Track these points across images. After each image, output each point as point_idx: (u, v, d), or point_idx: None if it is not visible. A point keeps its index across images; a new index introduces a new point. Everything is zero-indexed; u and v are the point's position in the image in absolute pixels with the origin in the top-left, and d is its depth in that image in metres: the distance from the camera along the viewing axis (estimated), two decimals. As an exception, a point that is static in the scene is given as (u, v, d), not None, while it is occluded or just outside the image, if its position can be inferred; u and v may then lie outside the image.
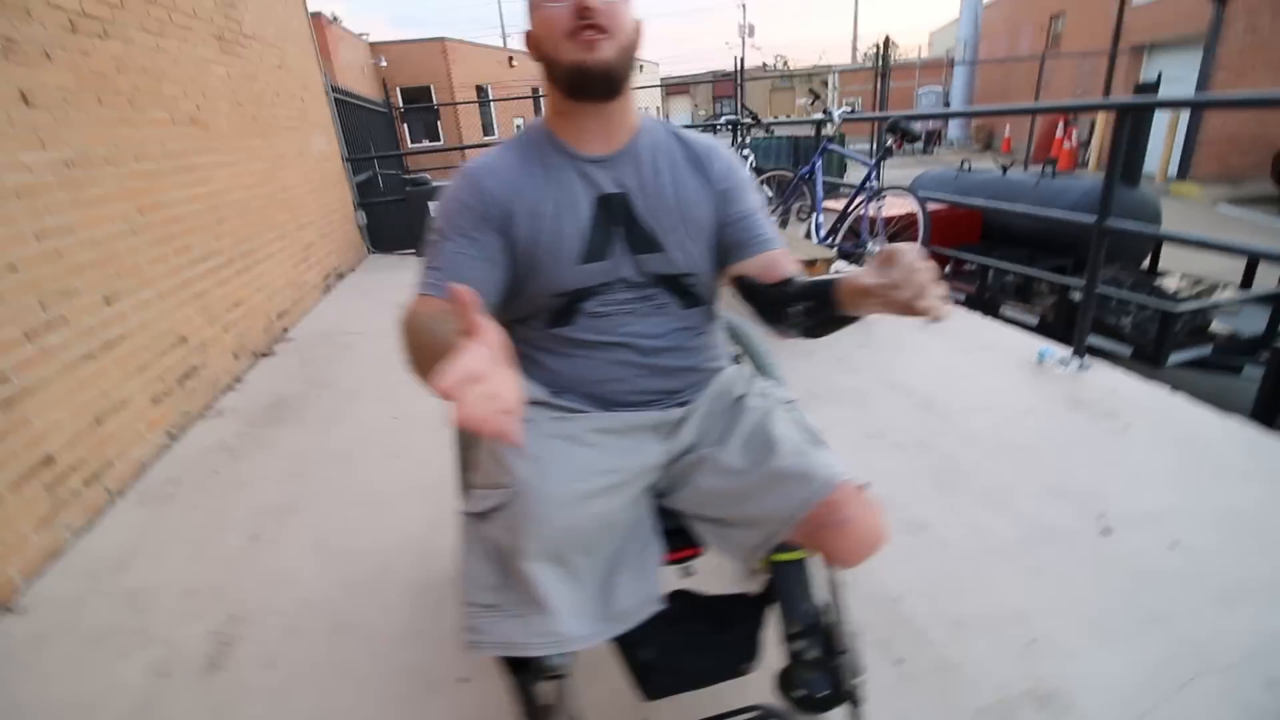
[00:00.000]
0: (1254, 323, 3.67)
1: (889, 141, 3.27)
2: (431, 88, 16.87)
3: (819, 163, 3.74)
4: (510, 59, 20.07)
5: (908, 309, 0.69)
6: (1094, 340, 3.67)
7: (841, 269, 3.41)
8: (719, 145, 1.03)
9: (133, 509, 2.03)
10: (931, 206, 3.22)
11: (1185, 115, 10.61)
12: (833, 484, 0.84)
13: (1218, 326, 3.70)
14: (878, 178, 3.34)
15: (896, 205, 3.39)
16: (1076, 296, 3.86)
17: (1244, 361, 3.56)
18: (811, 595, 0.94)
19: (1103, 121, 13.23)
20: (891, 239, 3.28)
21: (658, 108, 26.19)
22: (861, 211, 3.35)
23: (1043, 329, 3.89)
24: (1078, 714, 1.16)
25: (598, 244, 0.93)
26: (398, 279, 4.85)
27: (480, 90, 18.27)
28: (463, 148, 12.26)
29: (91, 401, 2.02)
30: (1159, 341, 3.37)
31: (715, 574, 1.46)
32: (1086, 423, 2.14)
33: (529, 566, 0.81)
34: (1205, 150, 10.68)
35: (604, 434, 0.94)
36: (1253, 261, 4.02)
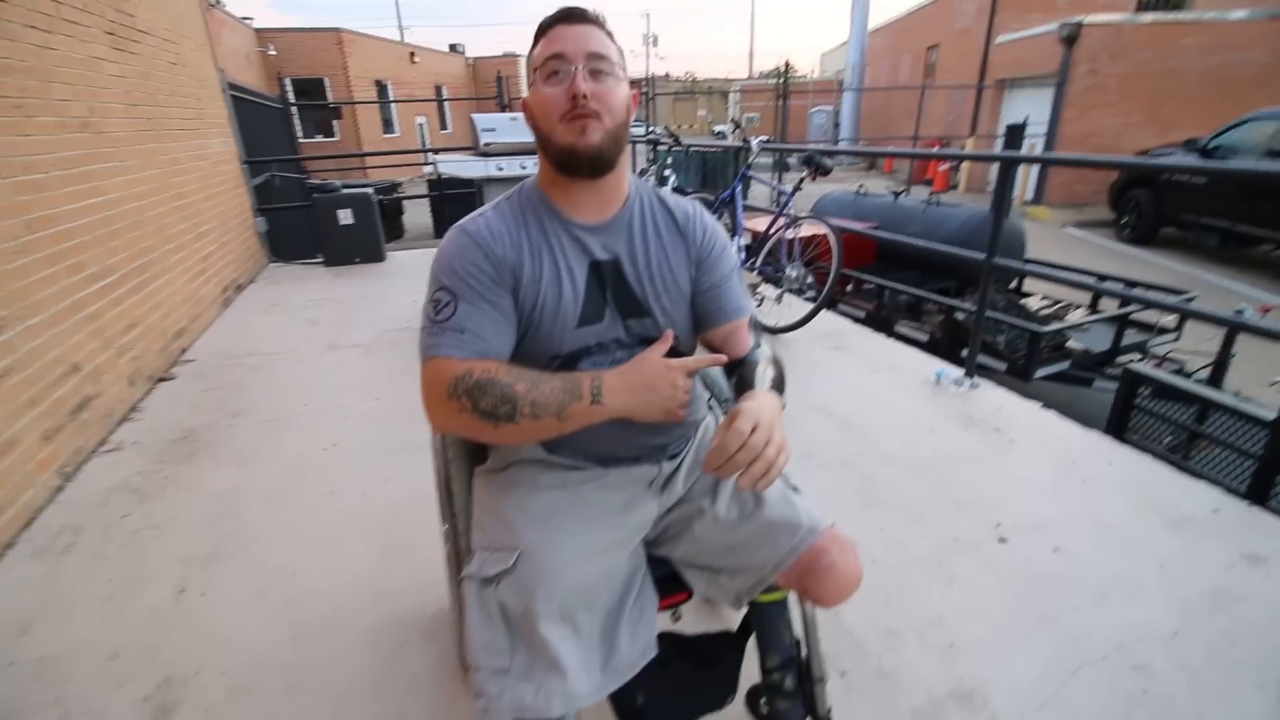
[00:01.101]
0: (1101, 340, 4.25)
1: (805, 174, 3.51)
2: (326, 81, 15.97)
3: (739, 188, 3.94)
4: (412, 54, 19.34)
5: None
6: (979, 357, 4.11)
7: (766, 293, 3.64)
8: (701, 211, 1.08)
9: (27, 563, 1.84)
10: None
11: (1040, 147, 11.98)
12: (817, 531, 0.95)
13: (1073, 344, 4.24)
14: (793, 205, 3.57)
15: (808, 228, 3.64)
16: (961, 316, 4.31)
17: (1094, 375, 4.11)
18: (790, 631, 1.05)
19: (971, 147, 14.70)
20: (807, 264, 3.53)
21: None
22: (780, 236, 3.57)
23: (931, 345, 4.31)
24: (992, 709, 1.34)
25: (592, 308, 0.97)
26: (304, 292, 4.60)
27: (380, 86, 17.49)
28: (367, 154, 11.69)
29: (-25, 445, 1.81)
30: (1028, 358, 3.82)
31: (694, 612, 1.55)
32: (978, 439, 2.42)
33: (543, 628, 0.85)
34: (1055, 178, 12.09)
35: (603, 491, 1.00)
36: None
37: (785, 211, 3.59)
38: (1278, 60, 10.74)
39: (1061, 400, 4.03)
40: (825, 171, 3.49)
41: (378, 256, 5.53)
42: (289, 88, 8.02)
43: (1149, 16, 11.43)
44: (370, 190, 5.50)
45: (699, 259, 1.06)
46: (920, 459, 2.28)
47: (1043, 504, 2.02)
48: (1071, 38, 11.16)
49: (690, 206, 1.09)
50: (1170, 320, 4.37)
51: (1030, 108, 12.80)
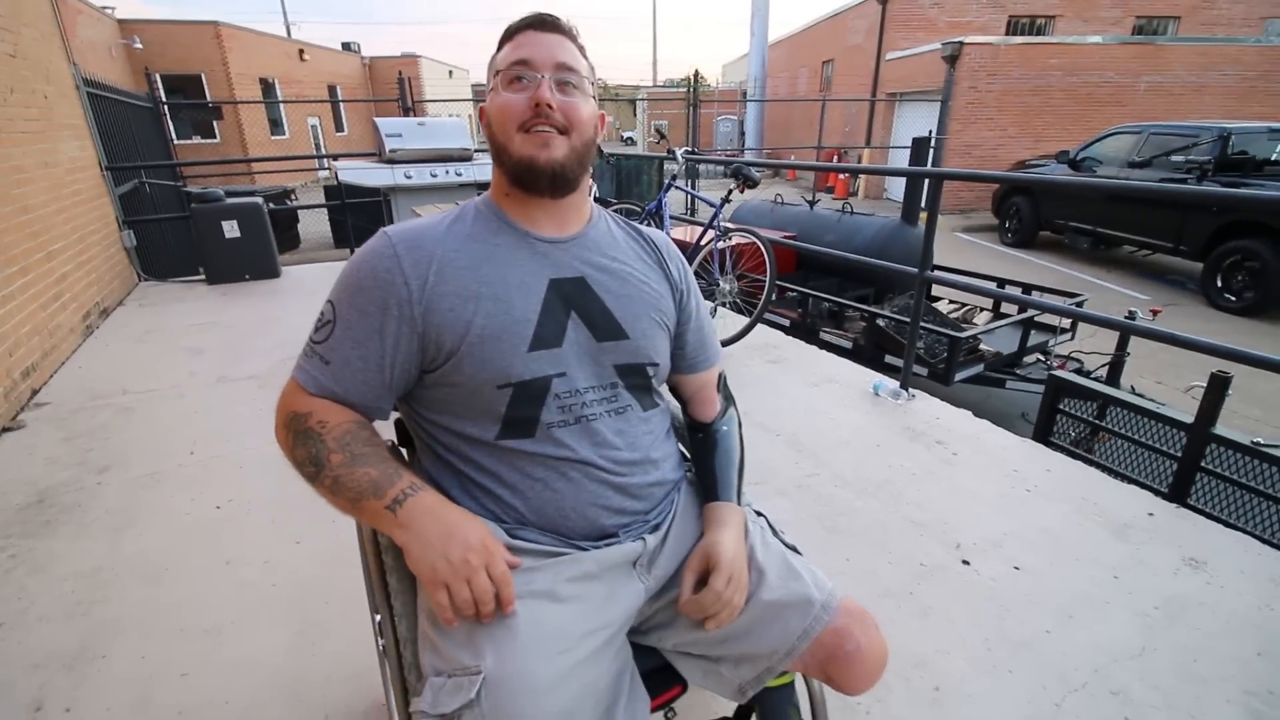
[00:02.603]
0: (1008, 342, 4.48)
1: (733, 186, 3.46)
2: (203, 77, 14.65)
3: (665, 198, 3.85)
4: (301, 52, 18.12)
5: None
6: (895, 360, 4.22)
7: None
8: (669, 242, 1.03)
9: None
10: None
11: (929, 158, 12.81)
12: (831, 607, 0.83)
13: (984, 346, 4.45)
14: (721, 216, 3.52)
15: (737, 239, 3.59)
16: (881, 323, 4.42)
17: (1006, 375, 4.32)
18: (798, 715, 0.92)
19: (867, 157, 15.52)
20: (739, 278, 3.48)
21: (469, 115, 25.32)
22: (712, 248, 3.50)
23: (855, 351, 4.40)
24: (988, 755, 1.28)
25: (548, 330, 0.84)
26: (184, 315, 4.09)
27: (266, 85, 16.26)
28: (255, 159, 10.77)
29: None
30: (949, 362, 3.96)
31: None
32: (924, 452, 2.42)
33: None
34: (943, 186, 12.97)
35: (580, 582, 0.83)
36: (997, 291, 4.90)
37: (715, 223, 3.53)
38: (1128, 80, 12.01)
39: (974, 400, 4.22)
40: (753, 184, 3.47)
41: (271, 272, 5.03)
42: (159, 85, 7.18)
43: (1020, 39, 12.47)
44: (260, 200, 5.00)
45: (682, 291, 1.00)
46: (873, 478, 2.24)
47: (995, 519, 2.02)
48: (954, 56, 11.99)
49: (659, 235, 1.04)
50: (1065, 321, 4.67)
51: (919, 121, 13.64)
